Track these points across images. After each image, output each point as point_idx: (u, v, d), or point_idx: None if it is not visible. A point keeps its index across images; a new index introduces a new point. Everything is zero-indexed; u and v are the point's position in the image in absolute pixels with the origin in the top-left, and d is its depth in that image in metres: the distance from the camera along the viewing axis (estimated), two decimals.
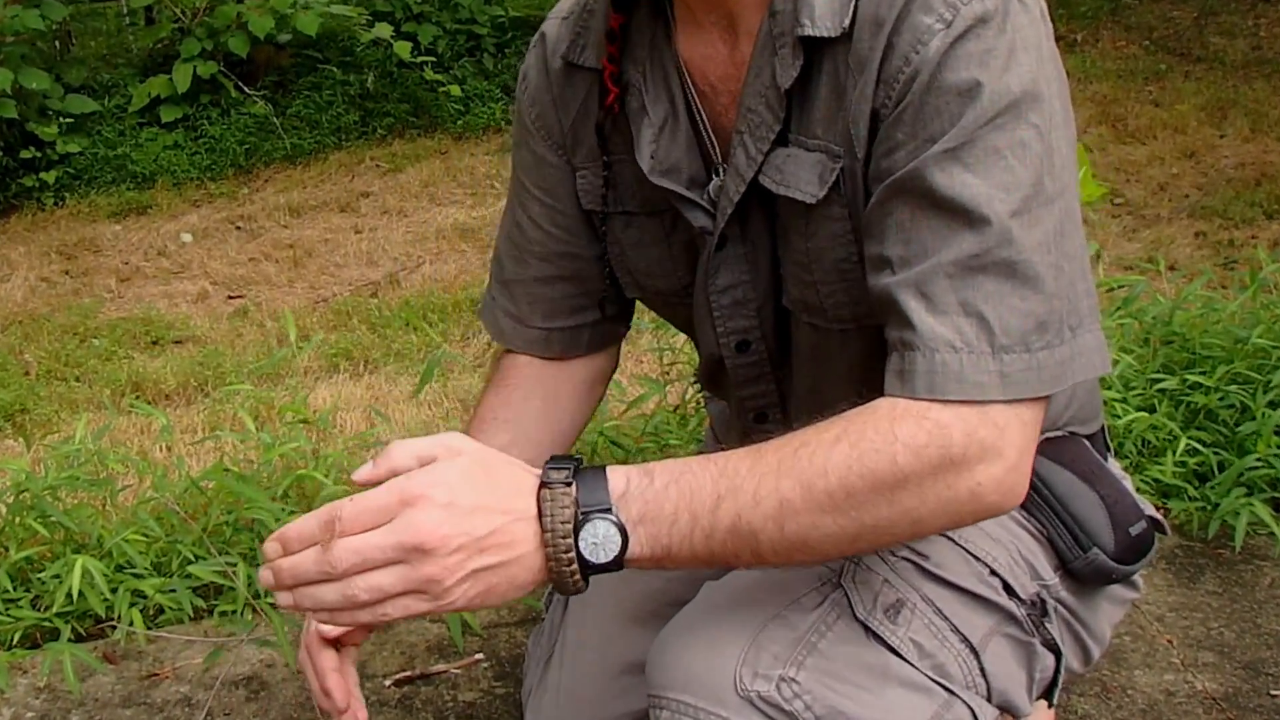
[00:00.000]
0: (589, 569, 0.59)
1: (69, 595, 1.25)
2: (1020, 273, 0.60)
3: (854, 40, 0.64)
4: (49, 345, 3.15)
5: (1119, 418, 1.51)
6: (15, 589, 1.33)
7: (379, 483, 0.59)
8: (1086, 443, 0.84)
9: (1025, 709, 0.75)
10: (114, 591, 1.29)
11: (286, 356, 2.50)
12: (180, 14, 4.74)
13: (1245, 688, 1.16)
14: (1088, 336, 0.63)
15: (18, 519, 1.39)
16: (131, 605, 1.28)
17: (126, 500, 1.59)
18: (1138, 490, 0.86)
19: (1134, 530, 0.80)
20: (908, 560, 0.72)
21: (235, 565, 1.27)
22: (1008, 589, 0.74)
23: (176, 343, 3.19)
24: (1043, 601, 0.77)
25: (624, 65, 0.74)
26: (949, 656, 0.69)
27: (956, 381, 0.60)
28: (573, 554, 0.59)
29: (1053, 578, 0.78)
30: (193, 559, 1.34)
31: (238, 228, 4.13)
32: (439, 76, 4.83)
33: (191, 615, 1.30)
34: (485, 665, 1.23)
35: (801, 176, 0.68)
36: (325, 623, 0.59)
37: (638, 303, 0.87)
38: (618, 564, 0.60)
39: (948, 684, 0.68)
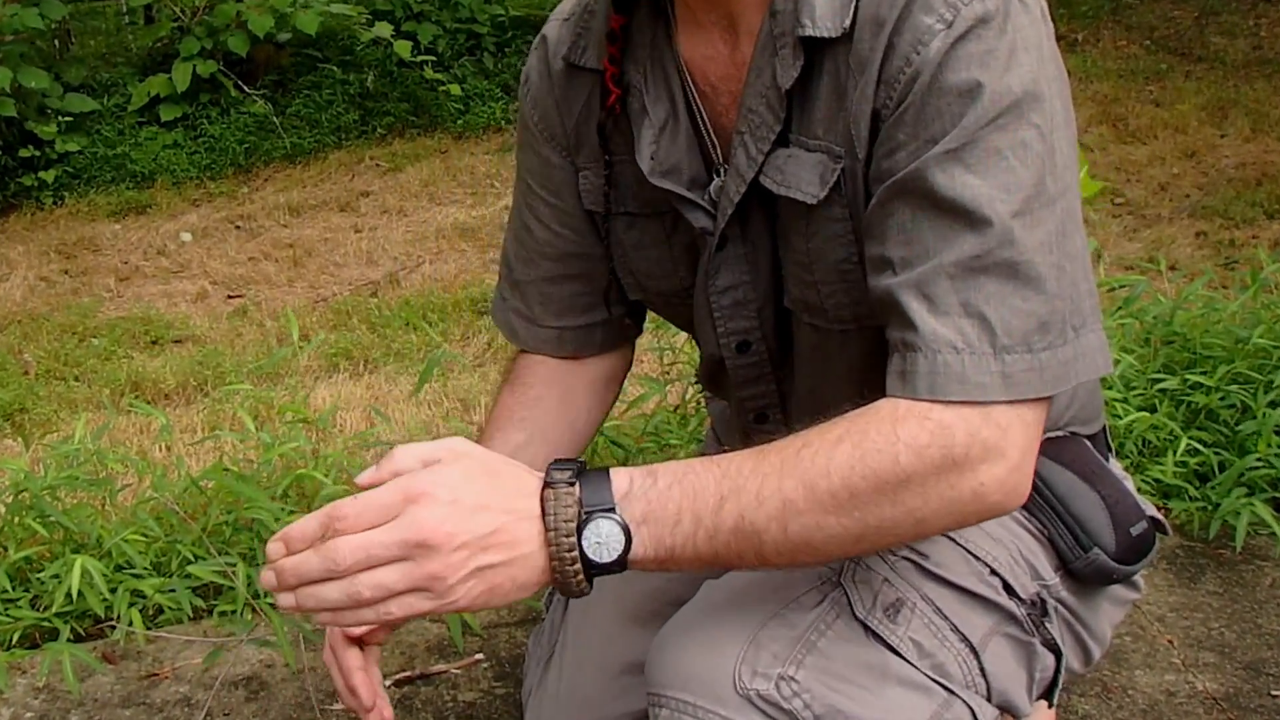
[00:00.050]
0: (592, 568, 0.59)
1: (68, 595, 1.25)
2: (1022, 273, 0.60)
3: (855, 40, 0.64)
4: (48, 345, 3.15)
5: (1120, 418, 1.51)
6: (14, 589, 1.33)
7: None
8: (1087, 443, 0.84)
9: (1025, 709, 0.75)
10: (113, 591, 1.29)
11: (286, 356, 2.50)
12: (180, 13, 4.74)
13: (1246, 688, 1.16)
14: (1090, 336, 0.63)
15: (17, 519, 1.39)
16: (131, 605, 1.28)
17: (126, 500, 1.59)
18: (1139, 490, 0.86)
19: (1135, 530, 0.80)
20: (908, 559, 0.72)
21: (235, 565, 1.27)
22: (1008, 589, 0.74)
23: (176, 342, 3.19)
24: (1043, 601, 0.77)
25: (625, 66, 0.74)
26: (949, 656, 0.69)
27: (958, 382, 0.60)
28: (576, 553, 0.59)
29: (1053, 578, 0.78)
30: (192, 559, 1.34)
31: (237, 227, 4.13)
32: (439, 76, 4.83)
33: (191, 615, 1.30)
34: (485, 665, 1.23)
35: (802, 177, 0.68)
36: (328, 624, 0.59)
37: None
38: (621, 564, 0.60)
39: (947, 683, 0.68)
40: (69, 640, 1.26)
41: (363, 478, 0.60)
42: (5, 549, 1.37)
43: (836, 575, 0.70)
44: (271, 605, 1.22)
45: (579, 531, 0.59)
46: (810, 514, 0.59)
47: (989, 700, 0.72)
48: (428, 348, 2.83)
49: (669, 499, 0.60)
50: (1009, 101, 0.61)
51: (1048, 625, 0.76)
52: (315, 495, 1.43)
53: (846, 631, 0.68)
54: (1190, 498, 1.48)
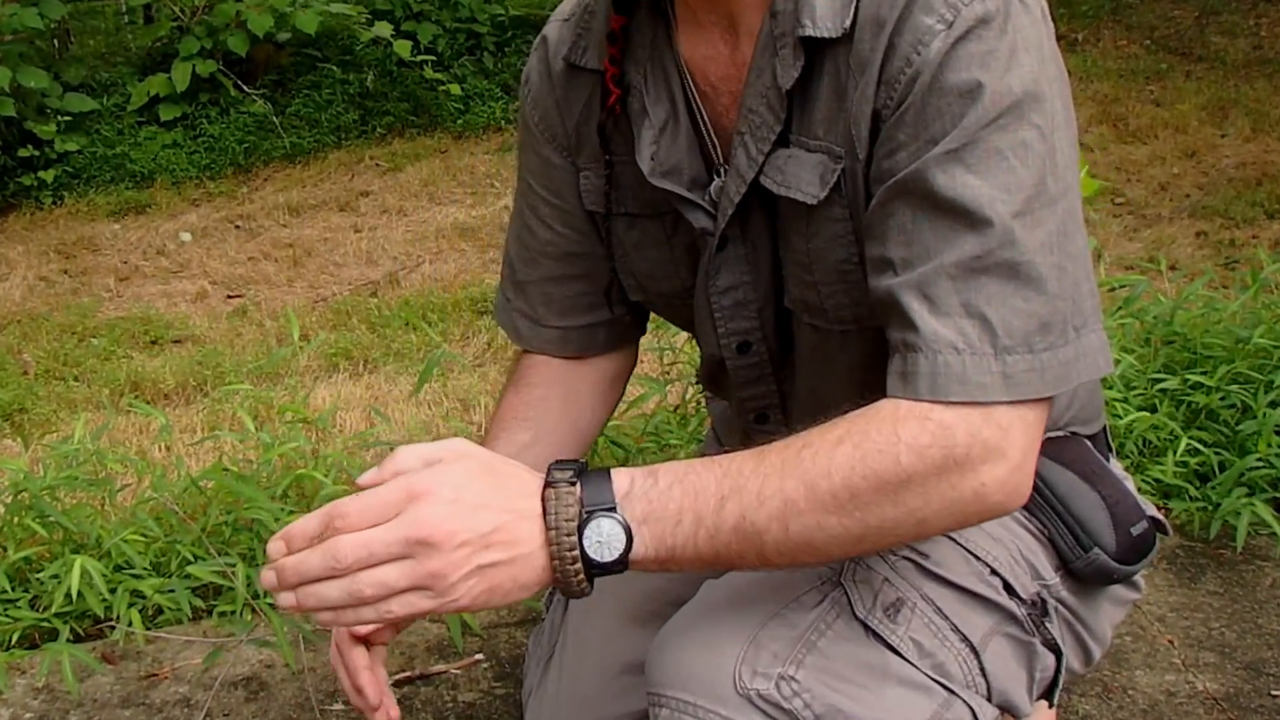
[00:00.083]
0: (593, 567, 0.59)
1: (68, 595, 1.25)
2: (1023, 274, 0.60)
3: (855, 41, 0.64)
4: (47, 345, 3.15)
5: (1120, 418, 1.51)
6: (14, 589, 1.33)
7: None
8: (1088, 443, 0.84)
9: (1025, 709, 0.75)
10: (113, 592, 1.29)
11: (286, 356, 2.49)
12: (179, 12, 4.74)
13: (1246, 688, 1.16)
14: (1091, 337, 0.63)
15: (16, 519, 1.39)
16: (130, 605, 1.28)
17: (125, 500, 1.59)
18: (1139, 490, 0.86)
19: (1135, 530, 0.80)
20: (908, 559, 0.72)
21: (234, 565, 1.27)
22: (1008, 588, 0.74)
23: (175, 342, 3.18)
24: (1043, 601, 0.77)
25: (625, 66, 0.74)
26: (949, 656, 0.69)
27: (959, 383, 0.60)
28: (576, 552, 0.59)
29: (1054, 577, 0.78)
30: (192, 559, 1.34)
31: (237, 227, 4.13)
32: (439, 75, 4.83)
33: (190, 615, 1.30)
34: (485, 666, 1.23)
35: (802, 177, 0.68)
36: (328, 624, 0.59)
37: None
38: (622, 563, 0.59)
39: (947, 683, 0.68)
40: (68, 640, 1.26)
41: (364, 478, 0.60)
42: (5, 549, 1.37)
43: (837, 575, 0.70)
44: (271, 606, 1.22)
45: (580, 531, 0.59)
46: (811, 514, 0.59)
47: (989, 700, 0.72)
48: (427, 348, 2.82)
49: (670, 498, 0.60)
50: (1009, 102, 0.61)
51: (1048, 625, 0.76)
52: (315, 495, 1.43)
53: (847, 631, 0.68)
54: (1190, 498, 1.48)
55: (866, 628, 0.68)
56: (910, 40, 0.62)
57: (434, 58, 4.90)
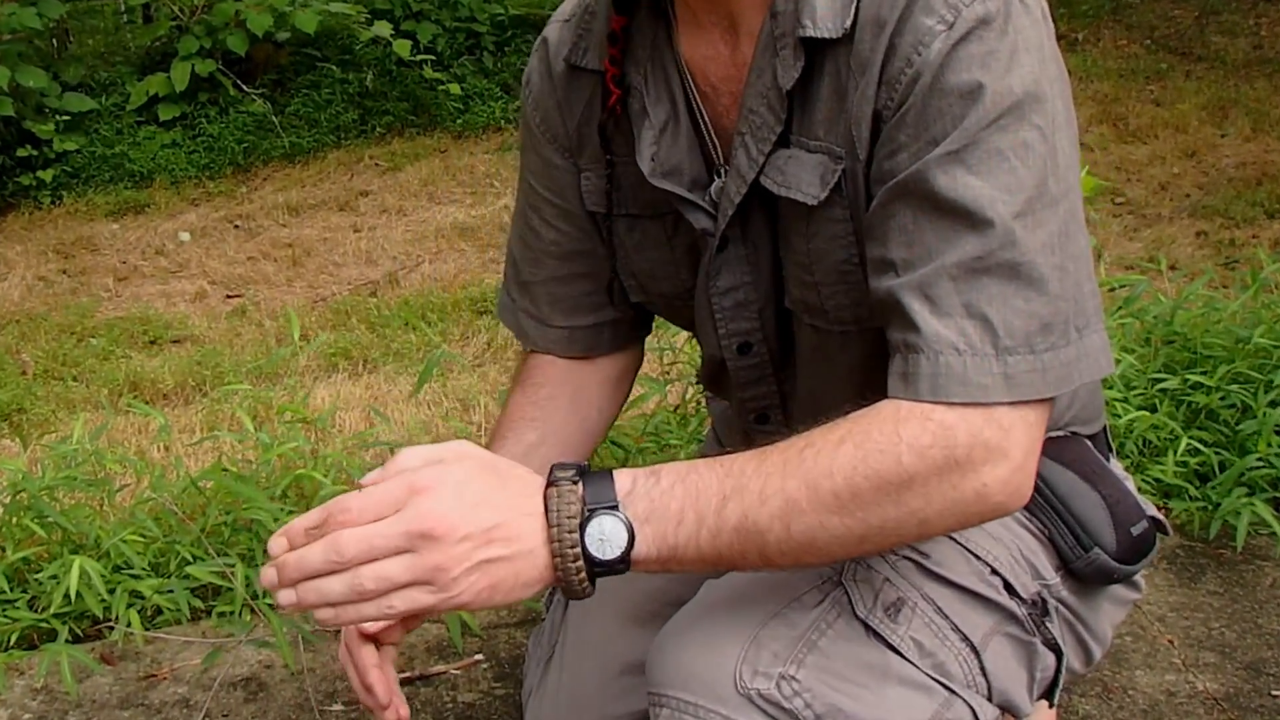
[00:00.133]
0: (595, 565, 0.59)
1: (66, 596, 1.24)
2: (1024, 274, 0.60)
3: (855, 41, 0.64)
4: (46, 345, 3.15)
5: (1120, 417, 1.51)
6: (12, 590, 1.33)
7: None
8: (1088, 443, 0.84)
9: (1026, 709, 0.75)
10: (111, 592, 1.29)
11: (286, 356, 2.49)
12: (178, 12, 4.74)
13: (1246, 688, 1.16)
14: (1093, 337, 0.63)
15: (15, 519, 1.39)
16: (129, 606, 1.28)
17: (124, 500, 1.59)
18: (1139, 490, 0.86)
19: (1135, 530, 0.80)
20: (908, 559, 0.72)
21: (233, 566, 1.27)
22: (1009, 588, 0.74)
23: (174, 342, 3.18)
24: (1044, 601, 0.77)
25: (626, 67, 0.74)
26: (949, 655, 0.69)
27: (960, 384, 0.60)
28: (578, 549, 0.59)
29: (1054, 577, 0.78)
30: (191, 559, 1.34)
31: (236, 226, 4.13)
32: (438, 75, 4.83)
33: (189, 616, 1.30)
34: (485, 666, 1.23)
35: (803, 178, 0.68)
36: (328, 621, 0.59)
37: None
38: (624, 561, 0.59)
39: (948, 683, 0.68)
40: (67, 641, 1.25)
41: (367, 479, 0.60)
42: (3, 550, 1.37)
43: (837, 574, 0.70)
44: (270, 606, 1.22)
45: (582, 528, 0.59)
46: (813, 513, 0.59)
47: (990, 700, 0.72)
48: (427, 347, 2.82)
49: (672, 498, 0.60)
50: (1010, 102, 0.61)
51: (1048, 625, 0.76)
52: (314, 495, 1.43)
53: (847, 631, 0.68)
54: (1191, 497, 1.48)
55: (867, 627, 0.68)
56: (911, 41, 0.62)
57: (433, 57, 4.89)
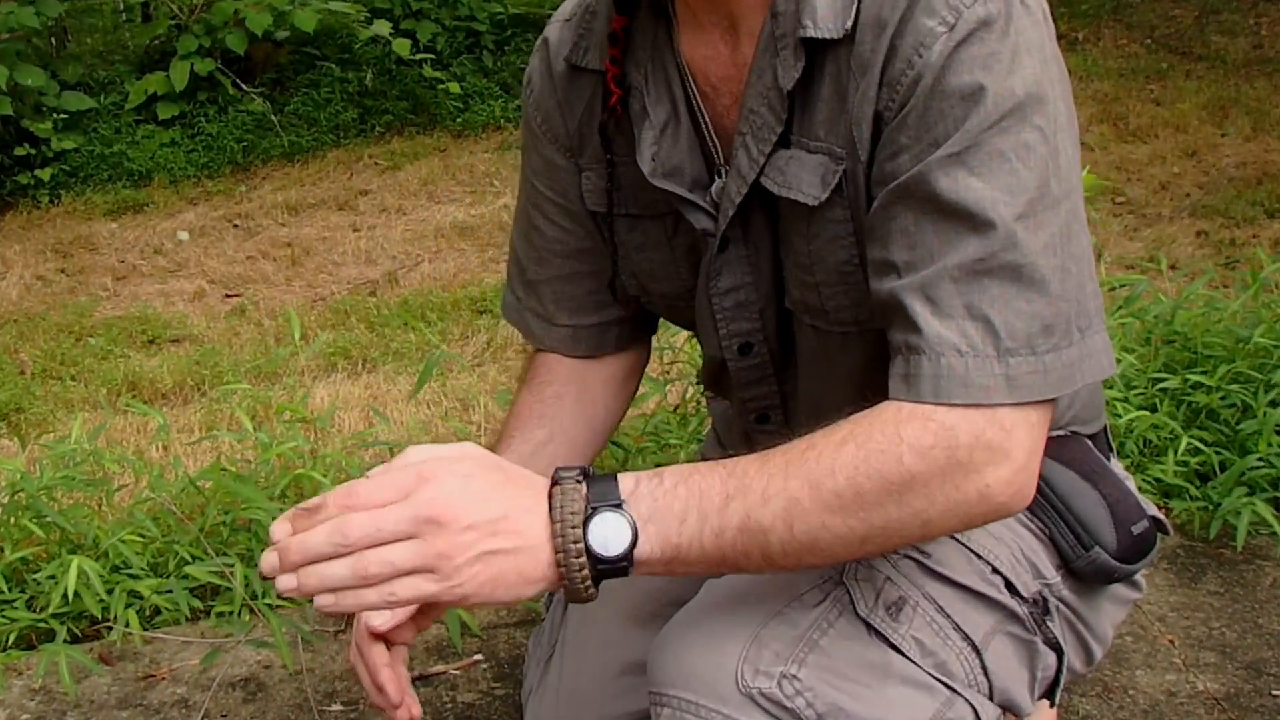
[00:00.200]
0: (598, 563, 0.59)
1: (64, 596, 1.24)
2: (1026, 276, 0.60)
3: (856, 42, 0.64)
4: (44, 344, 3.14)
5: (1120, 417, 1.51)
6: (10, 590, 1.33)
7: None
8: (1089, 442, 0.84)
9: (1027, 708, 0.75)
10: (110, 592, 1.29)
11: (286, 355, 2.49)
12: (177, 10, 4.73)
13: (1247, 688, 1.16)
14: (1095, 338, 0.63)
15: (13, 519, 1.38)
16: (128, 606, 1.27)
17: (123, 500, 1.58)
18: (1139, 490, 0.85)
19: (1136, 529, 0.80)
20: (910, 558, 0.72)
21: (232, 566, 1.27)
22: (1010, 587, 0.74)
23: (173, 342, 3.18)
24: (1045, 600, 0.77)
25: (626, 67, 0.74)
26: (951, 654, 0.69)
27: (962, 385, 0.60)
28: (581, 545, 0.59)
29: (1055, 576, 0.78)
30: (189, 559, 1.33)
31: (235, 226, 4.12)
32: (438, 74, 4.83)
33: (188, 616, 1.30)
34: (484, 666, 1.23)
35: (803, 178, 0.68)
36: (328, 608, 0.59)
37: None
38: (627, 559, 0.59)
39: (949, 682, 0.68)
40: (65, 641, 1.25)
41: (374, 471, 0.60)
42: (1, 549, 1.37)
43: (838, 573, 0.70)
44: (270, 606, 1.21)
45: (585, 526, 0.59)
46: (816, 514, 0.59)
47: (991, 699, 0.72)
48: (426, 347, 2.82)
49: (675, 497, 0.60)
50: (1012, 104, 0.61)
51: (1049, 624, 0.76)
52: (313, 495, 1.42)
53: (849, 630, 0.68)
54: (1191, 497, 1.48)
55: (869, 626, 0.68)
56: (912, 42, 0.62)
57: (433, 56, 4.89)
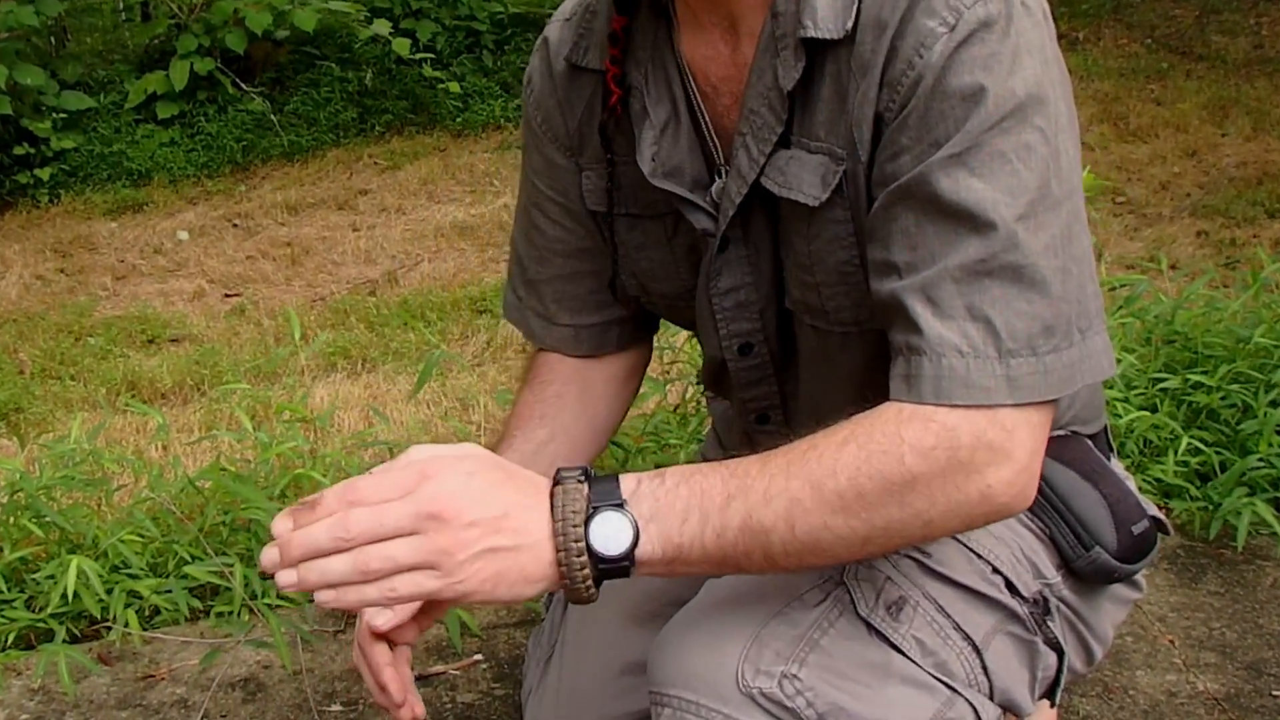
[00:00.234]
0: (600, 563, 0.59)
1: (64, 596, 1.24)
2: (1027, 277, 0.60)
3: (856, 43, 0.64)
4: (44, 344, 3.14)
5: (1120, 417, 1.51)
6: (9, 590, 1.32)
7: None
8: (1089, 442, 0.84)
9: (1028, 708, 0.75)
10: (109, 592, 1.29)
11: (285, 355, 2.49)
12: (177, 10, 4.73)
13: (1247, 688, 1.16)
14: (1096, 339, 0.63)
15: (12, 519, 1.38)
16: (127, 606, 1.27)
17: (122, 500, 1.58)
18: (1140, 490, 0.85)
19: (1136, 529, 0.80)
20: (910, 558, 0.72)
21: (232, 566, 1.26)
22: (1010, 587, 0.74)
23: (173, 341, 3.18)
24: (1045, 600, 0.77)
25: (626, 67, 0.74)
26: (951, 654, 0.69)
27: (963, 386, 0.60)
28: (583, 543, 0.59)
29: (1055, 576, 0.78)
30: (189, 559, 1.33)
31: (235, 225, 4.12)
32: (438, 73, 4.82)
33: (188, 616, 1.30)
34: (484, 666, 1.23)
35: (804, 179, 0.68)
36: (328, 603, 0.59)
37: None
38: (628, 559, 0.59)
39: (950, 682, 0.68)
40: (64, 641, 1.25)
41: (377, 469, 0.60)
42: (1, 549, 1.37)
43: (839, 573, 0.70)
44: (269, 606, 1.21)
45: (587, 524, 0.59)
46: (817, 514, 0.59)
47: (991, 699, 0.72)
48: (426, 347, 2.82)
49: (677, 497, 0.60)
50: (1012, 105, 0.61)
51: (1050, 624, 0.76)
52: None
53: (849, 629, 0.68)
54: (1191, 497, 1.48)
55: (869, 626, 0.68)
56: (912, 43, 0.62)
57: (433, 55, 4.89)
